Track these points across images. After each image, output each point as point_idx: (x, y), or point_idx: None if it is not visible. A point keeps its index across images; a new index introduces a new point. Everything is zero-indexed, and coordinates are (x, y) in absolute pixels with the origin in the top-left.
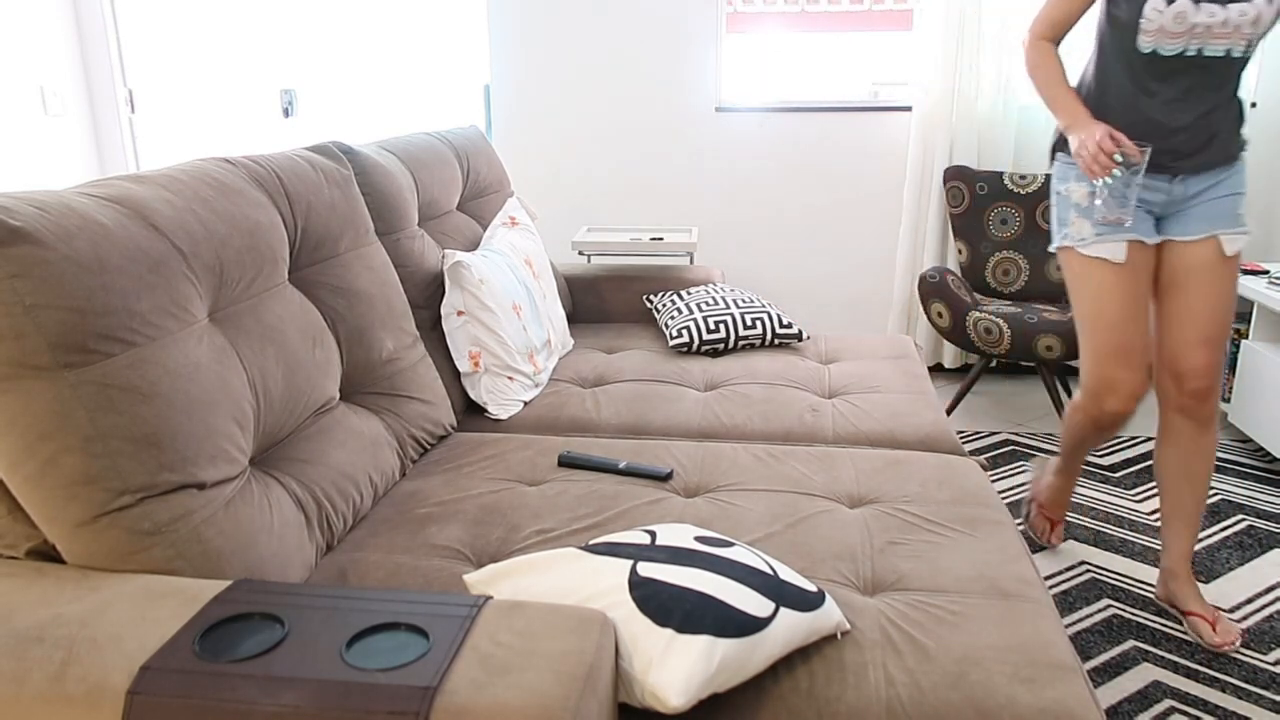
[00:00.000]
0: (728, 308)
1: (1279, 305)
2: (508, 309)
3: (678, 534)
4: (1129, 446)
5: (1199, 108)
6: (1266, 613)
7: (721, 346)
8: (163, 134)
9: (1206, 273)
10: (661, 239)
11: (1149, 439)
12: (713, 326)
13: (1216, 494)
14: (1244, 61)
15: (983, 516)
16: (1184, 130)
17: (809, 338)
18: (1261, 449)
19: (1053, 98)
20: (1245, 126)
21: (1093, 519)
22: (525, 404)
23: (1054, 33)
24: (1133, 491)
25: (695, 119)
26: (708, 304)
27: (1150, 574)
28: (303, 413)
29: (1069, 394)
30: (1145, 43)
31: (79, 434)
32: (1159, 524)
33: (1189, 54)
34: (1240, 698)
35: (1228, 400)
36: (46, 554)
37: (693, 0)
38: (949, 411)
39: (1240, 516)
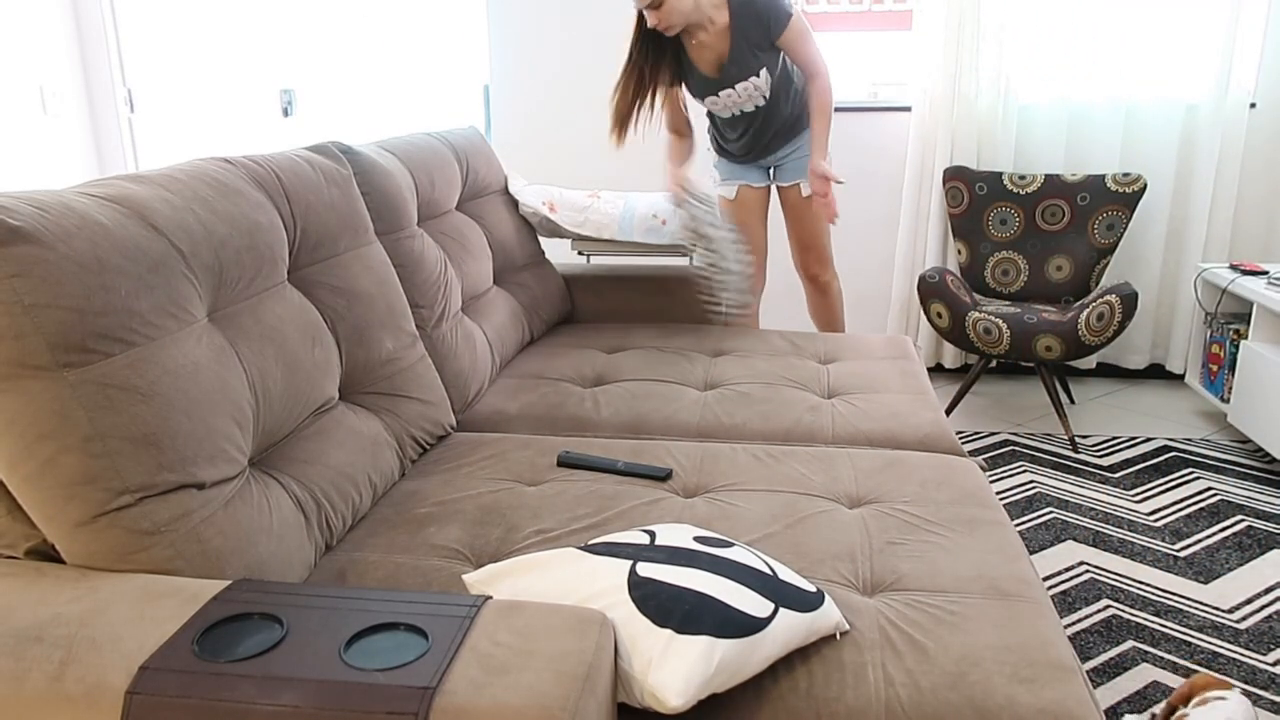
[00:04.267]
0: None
1: (1278, 306)
2: None
3: (677, 534)
4: (1129, 447)
5: (759, 127)
6: (1266, 613)
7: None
8: (162, 134)
9: (798, 208)
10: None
11: (1148, 439)
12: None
13: (1215, 494)
14: (772, 101)
15: (982, 517)
16: (745, 139)
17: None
18: (1261, 449)
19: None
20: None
21: (1092, 519)
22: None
23: (673, 124)
24: (1132, 492)
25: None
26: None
27: (1150, 574)
28: (302, 412)
29: (1069, 395)
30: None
31: (78, 434)
32: (1159, 524)
33: (737, 115)
34: None
35: (1227, 401)
36: (46, 554)
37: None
38: (948, 411)
39: (1240, 517)
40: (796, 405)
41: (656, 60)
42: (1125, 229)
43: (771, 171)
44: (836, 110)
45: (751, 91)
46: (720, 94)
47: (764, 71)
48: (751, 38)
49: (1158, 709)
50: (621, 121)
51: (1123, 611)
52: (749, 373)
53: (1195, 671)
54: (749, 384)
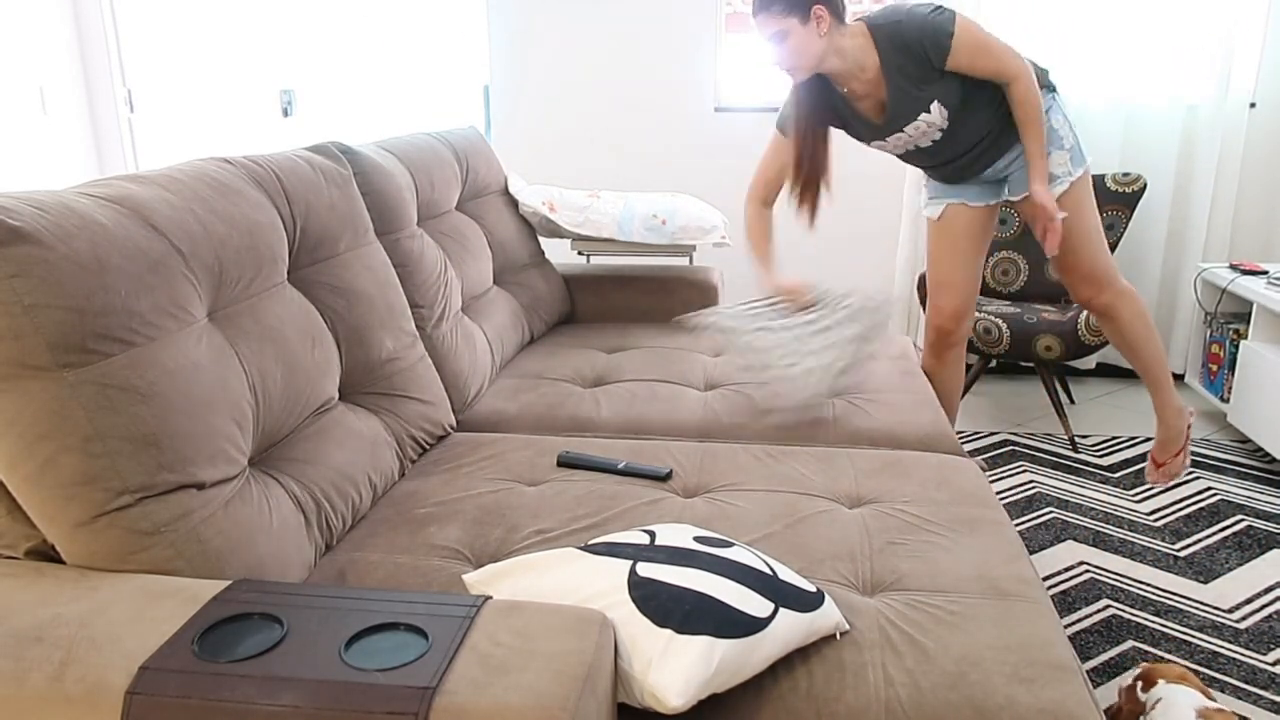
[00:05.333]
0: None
1: (1278, 306)
2: None
3: (677, 534)
4: (1128, 446)
5: (948, 155)
6: (1265, 613)
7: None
8: (162, 134)
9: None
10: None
11: (1148, 439)
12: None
13: (1215, 494)
14: (954, 128)
15: (982, 517)
16: (940, 169)
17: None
18: (1260, 449)
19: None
20: (1003, 113)
21: (1092, 519)
22: None
23: (766, 193)
24: (1132, 492)
25: (694, 119)
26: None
27: (1150, 574)
28: (302, 413)
29: (1069, 395)
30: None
31: (78, 434)
32: (1159, 524)
33: (912, 150)
34: (1240, 698)
35: (1226, 401)
36: (46, 554)
37: (692, 0)
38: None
39: (1239, 517)
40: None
41: (819, 115)
42: (1125, 229)
43: (1005, 186)
44: None
45: (924, 129)
46: (888, 139)
47: (935, 105)
48: (911, 74)
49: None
50: (809, 189)
51: (1123, 611)
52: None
53: (1195, 672)
54: (749, 384)
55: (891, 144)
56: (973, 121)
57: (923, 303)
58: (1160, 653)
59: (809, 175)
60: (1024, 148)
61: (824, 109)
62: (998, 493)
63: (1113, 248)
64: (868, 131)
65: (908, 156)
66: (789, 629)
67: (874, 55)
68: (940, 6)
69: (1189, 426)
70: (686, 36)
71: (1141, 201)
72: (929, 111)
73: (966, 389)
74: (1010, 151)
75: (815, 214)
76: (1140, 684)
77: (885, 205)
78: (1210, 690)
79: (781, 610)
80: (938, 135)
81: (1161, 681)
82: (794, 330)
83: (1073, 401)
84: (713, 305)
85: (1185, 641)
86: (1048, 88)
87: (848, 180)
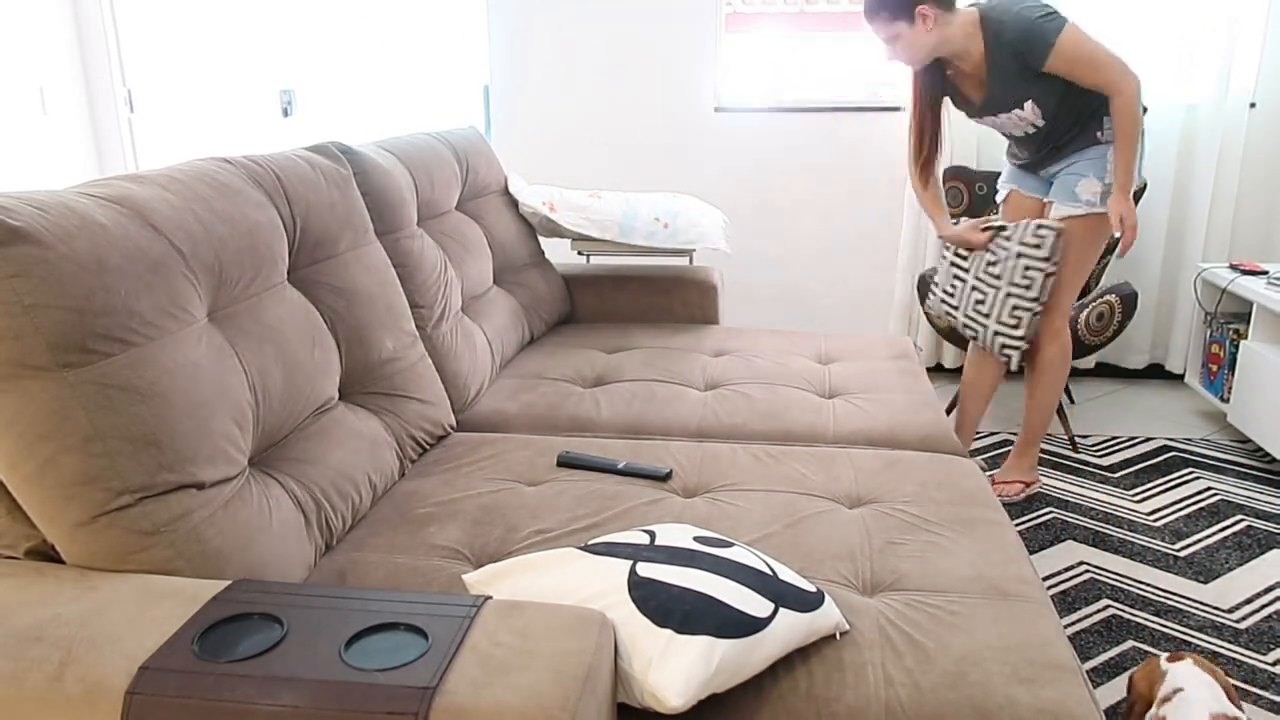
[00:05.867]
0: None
1: (1278, 305)
2: None
3: (677, 534)
4: (1128, 447)
5: (1037, 146)
6: (1265, 613)
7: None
8: (162, 134)
9: None
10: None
11: (1148, 439)
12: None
13: (1215, 494)
14: (1050, 127)
15: (981, 517)
16: (1023, 152)
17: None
18: (1260, 449)
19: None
20: (1092, 124)
21: (1092, 519)
22: None
23: (919, 174)
24: (1132, 492)
25: (695, 119)
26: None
27: (1150, 574)
28: (302, 413)
29: (1069, 395)
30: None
31: (78, 434)
32: (1158, 524)
33: (1007, 134)
34: (1240, 698)
35: (1226, 401)
36: (46, 554)
37: (692, 0)
38: (949, 411)
39: (1239, 517)
40: (796, 405)
41: (933, 90)
42: None
43: (1049, 187)
44: (836, 110)
45: (1017, 121)
46: (984, 119)
47: (1029, 104)
48: (1009, 70)
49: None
50: (925, 162)
51: (1123, 611)
52: (749, 373)
53: None
54: (749, 384)
55: (988, 124)
56: (1064, 123)
57: (923, 302)
58: (1160, 653)
59: (929, 149)
60: (1115, 159)
61: (936, 83)
62: (998, 492)
63: (1112, 247)
64: (969, 109)
65: (1007, 135)
66: (789, 629)
67: (980, 43)
68: (1052, 12)
69: (1025, 488)
70: (686, 36)
71: (1141, 201)
72: (1022, 109)
73: None
74: (1069, 159)
75: (932, 181)
76: (1165, 657)
77: (887, 205)
78: (1234, 694)
79: (781, 610)
80: (1031, 130)
81: (1186, 663)
82: (973, 277)
83: (1073, 402)
84: (712, 306)
85: (1185, 642)
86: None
87: (849, 180)
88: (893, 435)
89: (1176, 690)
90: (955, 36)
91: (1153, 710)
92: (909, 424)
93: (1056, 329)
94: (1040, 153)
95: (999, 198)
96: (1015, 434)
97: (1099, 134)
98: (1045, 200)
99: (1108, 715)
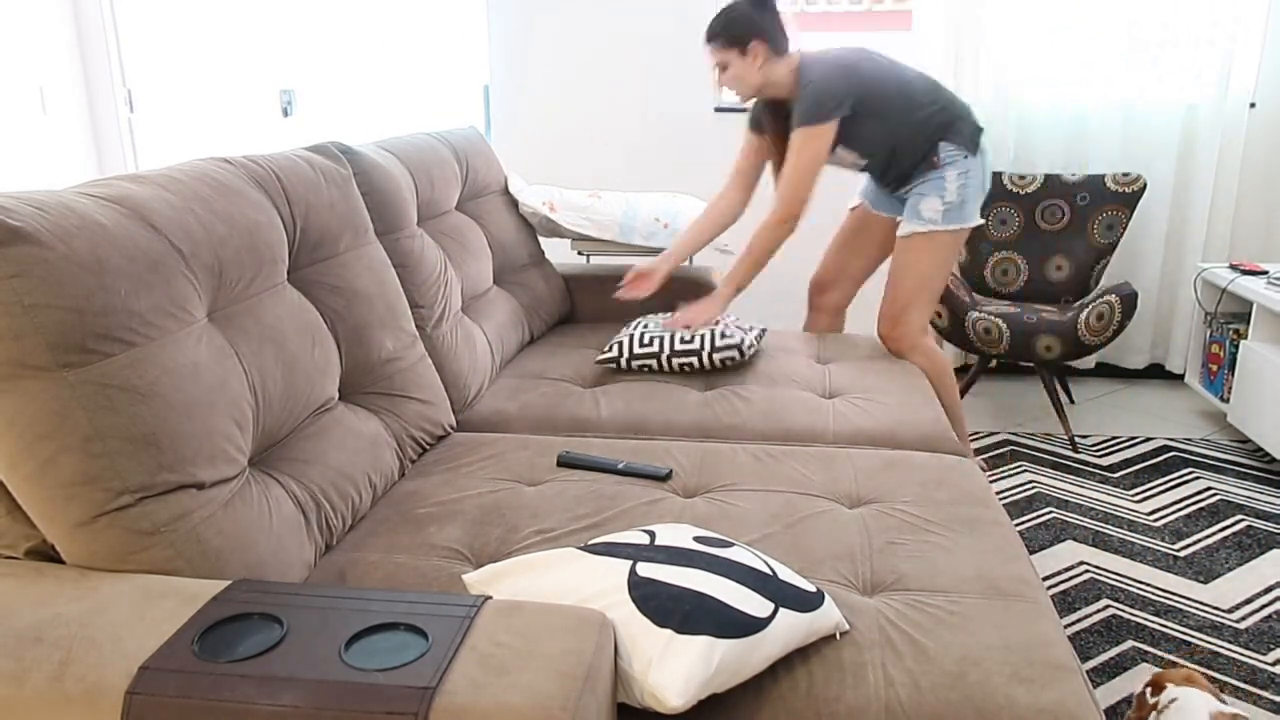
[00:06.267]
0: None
1: (1278, 306)
2: None
3: (677, 534)
4: (1128, 446)
5: (878, 177)
6: (1265, 613)
7: (654, 364)
8: (162, 134)
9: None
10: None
11: (1148, 439)
12: (646, 341)
13: (1215, 494)
14: (876, 162)
15: (982, 517)
16: (880, 182)
17: (754, 352)
18: (1260, 449)
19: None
20: (925, 152)
21: (1092, 519)
22: None
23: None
24: (1132, 491)
25: (695, 119)
26: (645, 326)
27: (1150, 574)
28: (302, 413)
29: (1069, 395)
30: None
31: (78, 434)
32: (1158, 524)
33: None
34: (1240, 698)
35: (1226, 401)
36: (46, 554)
37: (692, 1)
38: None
39: (1239, 517)
40: (797, 405)
41: (780, 122)
42: (1125, 229)
43: (903, 207)
44: None
45: (844, 160)
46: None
47: (839, 149)
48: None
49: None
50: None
51: (1122, 611)
52: (749, 373)
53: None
54: (749, 384)
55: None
56: (891, 158)
57: None
58: (1160, 653)
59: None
60: (734, 265)
61: (782, 117)
62: (998, 493)
63: (1113, 248)
64: None
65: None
66: (789, 629)
67: (797, 92)
68: (828, 109)
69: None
70: (686, 37)
71: (1141, 201)
72: (833, 153)
73: (966, 389)
74: (912, 183)
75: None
76: (1149, 690)
77: None
78: (1220, 693)
79: (781, 610)
80: (860, 166)
81: (1170, 685)
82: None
83: (1072, 401)
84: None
85: (1185, 641)
86: (972, 149)
87: (849, 180)
88: (893, 435)
89: (1172, 700)
90: (781, 82)
91: (1153, 716)
92: (909, 424)
93: (913, 344)
94: (885, 181)
95: (850, 205)
96: (1015, 434)
97: (935, 159)
98: (896, 219)
99: (1107, 715)
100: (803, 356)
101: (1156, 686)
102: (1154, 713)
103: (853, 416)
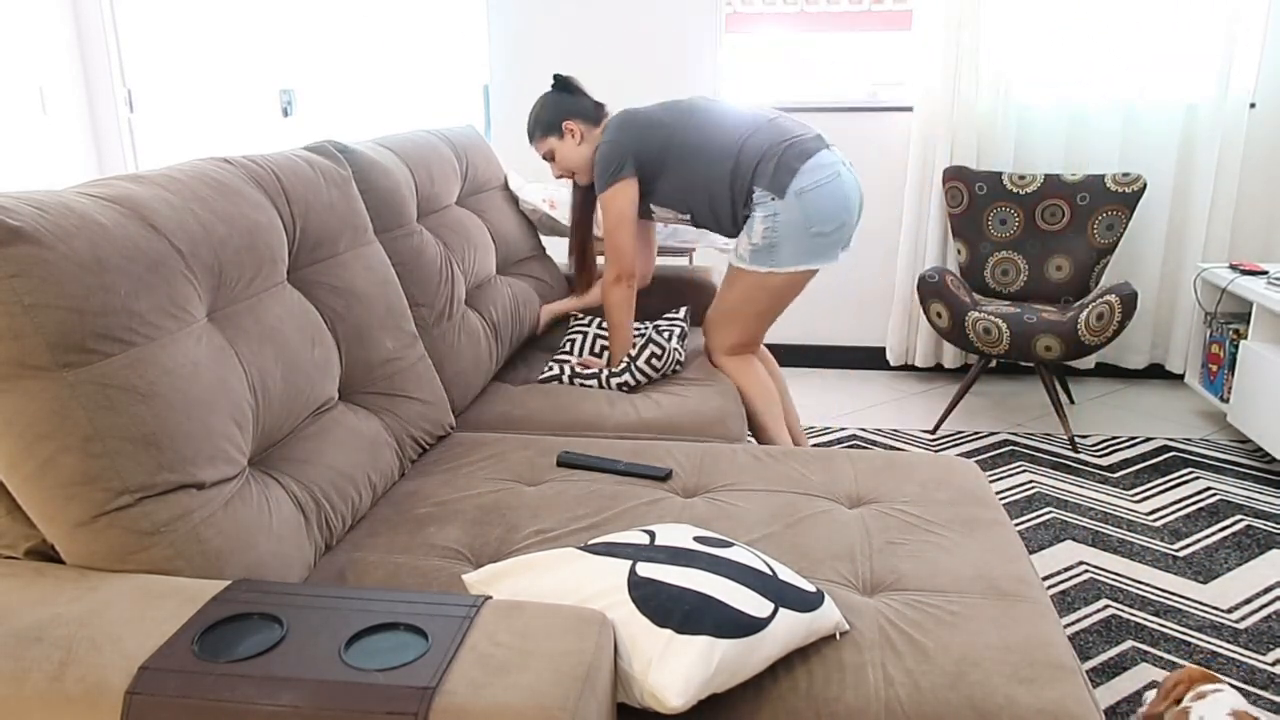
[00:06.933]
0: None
1: (1277, 306)
2: None
3: (677, 534)
4: (1128, 446)
5: (713, 228)
6: (1265, 613)
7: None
8: (161, 134)
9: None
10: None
11: (1147, 439)
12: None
13: (1215, 494)
14: (699, 216)
15: (981, 517)
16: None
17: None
18: (1260, 449)
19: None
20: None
21: (1092, 519)
22: None
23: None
24: (1131, 491)
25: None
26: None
27: (1149, 574)
28: (301, 412)
29: (1069, 395)
30: None
31: (78, 434)
32: (1158, 524)
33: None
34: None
35: (1226, 401)
36: (45, 554)
37: (692, 0)
38: (948, 412)
39: (1239, 517)
40: (586, 400)
41: (586, 210)
42: (1125, 229)
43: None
44: (837, 110)
45: (668, 219)
46: (652, 220)
47: (656, 209)
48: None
49: (1144, 708)
50: (587, 277)
51: (1122, 611)
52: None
53: None
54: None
55: (661, 221)
56: (713, 210)
57: (923, 302)
58: (1160, 653)
59: (590, 265)
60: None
61: (589, 201)
62: (997, 493)
63: (1113, 248)
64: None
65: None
66: (789, 629)
67: None
68: (605, 167)
69: None
70: (686, 37)
71: (1141, 201)
72: (653, 212)
73: (966, 389)
74: (744, 225)
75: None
76: (1178, 685)
77: (887, 205)
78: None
79: (781, 610)
80: (686, 219)
81: (1198, 685)
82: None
83: (1072, 401)
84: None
85: (1185, 642)
86: (778, 192)
87: None
88: (671, 424)
89: (1200, 696)
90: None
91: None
92: (688, 412)
93: (717, 360)
94: (725, 230)
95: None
96: (1015, 434)
97: (751, 202)
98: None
99: (1107, 715)
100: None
101: (1198, 693)
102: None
103: (643, 409)
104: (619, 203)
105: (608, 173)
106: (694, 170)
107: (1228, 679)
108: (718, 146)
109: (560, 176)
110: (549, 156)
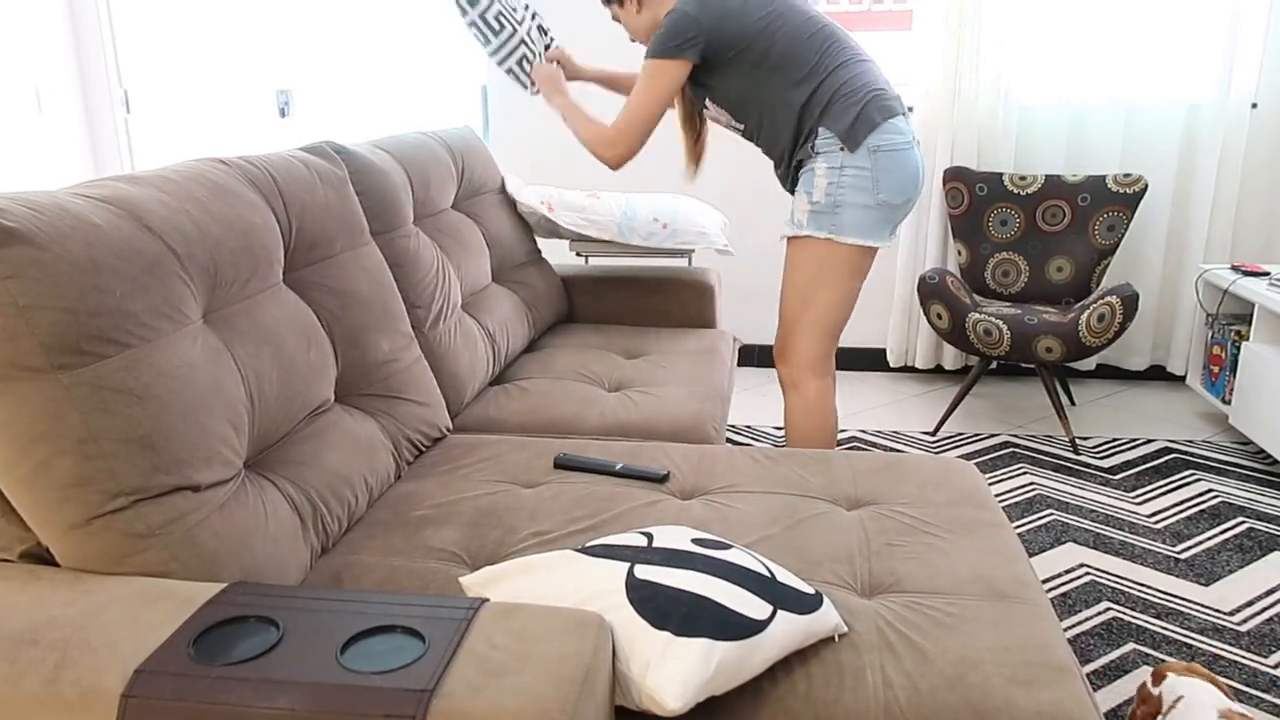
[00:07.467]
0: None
1: (1279, 307)
2: None
3: (675, 536)
4: (1129, 448)
5: (775, 162)
6: (1266, 615)
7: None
8: (158, 134)
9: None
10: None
11: (1149, 441)
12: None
13: (1216, 496)
14: (751, 131)
15: (981, 519)
16: (778, 172)
17: None
18: (1262, 451)
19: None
20: (806, 140)
21: (1093, 521)
22: None
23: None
24: (1133, 493)
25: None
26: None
27: (1151, 576)
28: (297, 414)
29: (1070, 396)
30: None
31: (73, 436)
32: (1159, 526)
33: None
34: (1241, 701)
35: (1228, 402)
36: (40, 556)
37: None
38: (949, 413)
39: (1240, 519)
40: (567, 399)
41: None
42: (1126, 230)
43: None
44: None
45: (720, 119)
46: (705, 114)
47: (709, 101)
48: None
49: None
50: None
51: (1123, 614)
52: (548, 365)
53: None
54: (535, 378)
55: (714, 121)
56: (774, 132)
57: (923, 304)
58: (1161, 655)
59: (701, 147)
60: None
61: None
62: (997, 495)
63: (1114, 249)
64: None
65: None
66: (787, 631)
67: None
68: (670, 35)
69: None
70: None
71: (1142, 202)
72: (708, 108)
73: (966, 390)
74: (801, 178)
75: (699, 162)
76: (1150, 680)
77: None
78: (1221, 681)
79: (780, 612)
80: (741, 132)
81: (1171, 675)
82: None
83: (1073, 403)
84: (709, 308)
85: (1186, 644)
86: (850, 144)
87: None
88: (651, 427)
89: (1179, 698)
90: (662, 20)
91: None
92: (666, 415)
93: (794, 379)
94: (776, 165)
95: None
96: (1016, 436)
97: (813, 144)
98: (791, 235)
99: (1108, 718)
100: (611, 352)
101: (1158, 676)
102: (1159, 714)
103: (620, 410)
104: (661, 83)
105: (664, 44)
106: (764, 84)
107: (1227, 679)
108: (799, 66)
109: (634, 41)
110: (616, 20)
